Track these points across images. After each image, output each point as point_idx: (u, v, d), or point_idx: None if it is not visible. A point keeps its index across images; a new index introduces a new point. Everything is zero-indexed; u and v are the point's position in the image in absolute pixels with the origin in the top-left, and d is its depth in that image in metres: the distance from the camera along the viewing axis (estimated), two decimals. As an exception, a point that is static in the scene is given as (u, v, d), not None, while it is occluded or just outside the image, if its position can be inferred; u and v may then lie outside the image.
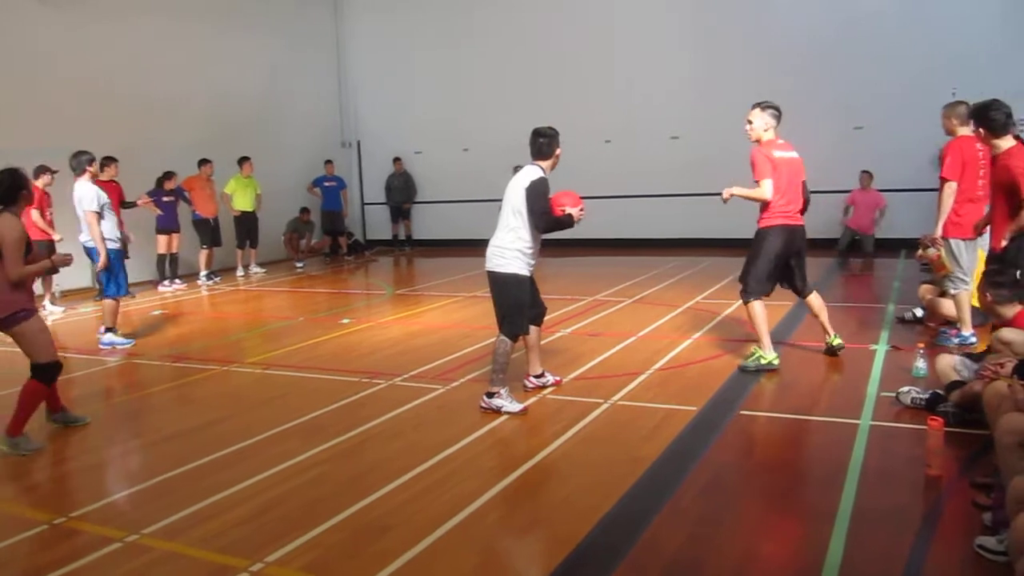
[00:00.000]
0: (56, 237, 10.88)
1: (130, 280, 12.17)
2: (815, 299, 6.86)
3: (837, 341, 6.87)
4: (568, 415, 5.62)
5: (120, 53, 13.59)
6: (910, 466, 4.52)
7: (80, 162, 8.53)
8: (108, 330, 8.78)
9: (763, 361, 6.51)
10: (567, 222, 5.86)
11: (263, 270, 14.88)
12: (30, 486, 4.85)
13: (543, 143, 5.90)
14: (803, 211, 6.64)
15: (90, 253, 8.70)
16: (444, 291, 11.67)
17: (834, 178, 13.67)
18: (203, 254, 13.72)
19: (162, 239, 12.91)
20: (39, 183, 10.66)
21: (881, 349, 7.10)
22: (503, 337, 5.81)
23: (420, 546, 3.76)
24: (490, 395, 5.79)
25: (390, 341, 8.39)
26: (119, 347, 8.66)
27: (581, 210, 5.90)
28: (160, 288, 12.95)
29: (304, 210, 16.58)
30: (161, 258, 13.03)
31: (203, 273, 13.71)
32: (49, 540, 4.07)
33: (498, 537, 3.93)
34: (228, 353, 8.28)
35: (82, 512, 4.36)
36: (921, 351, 6.29)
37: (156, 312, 11.10)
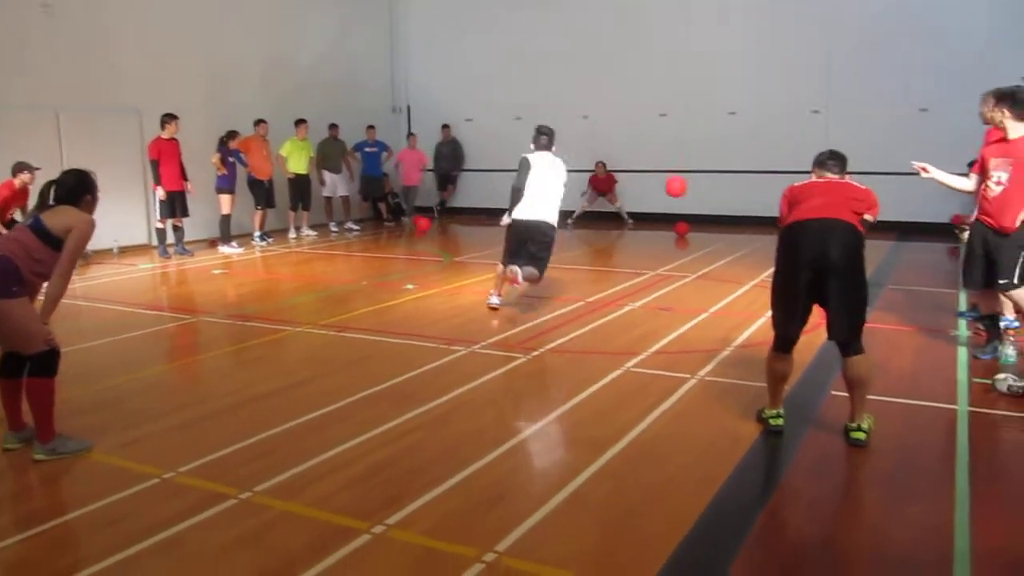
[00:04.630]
0: None
1: (185, 239, 12.37)
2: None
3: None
4: (657, 389, 5.59)
5: (179, 15, 13.56)
6: (1021, 452, 4.47)
7: None
8: None
9: None
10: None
11: (315, 233, 14.90)
12: (130, 441, 4.87)
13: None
14: None
15: None
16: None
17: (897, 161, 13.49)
18: (257, 215, 13.74)
19: (225, 199, 12.87)
20: (16, 182, 10.04)
21: (962, 335, 6.99)
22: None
23: (537, 516, 3.77)
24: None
25: (460, 308, 8.39)
26: None
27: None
28: (225, 249, 12.81)
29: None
30: (225, 219, 12.98)
31: (256, 234, 13.73)
32: (162, 494, 4.11)
33: (613, 511, 3.90)
34: (298, 315, 8.30)
35: (189, 467, 4.39)
36: (1011, 339, 6.19)
37: (217, 271, 11.16)
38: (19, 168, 10.04)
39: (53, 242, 4.56)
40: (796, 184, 4.91)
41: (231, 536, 3.66)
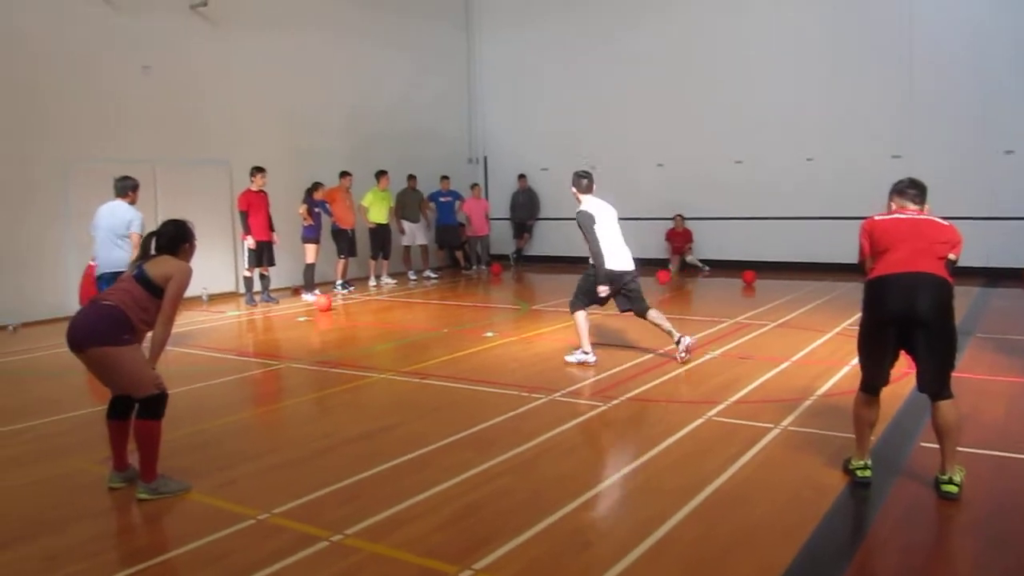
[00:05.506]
0: None
1: (271, 287, 12.76)
2: None
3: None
4: (740, 438, 5.57)
5: (263, 70, 14.21)
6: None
7: (124, 186, 8.58)
8: None
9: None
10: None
11: (394, 281, 15.24)
12: (226, 482, 5.07)
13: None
14: None
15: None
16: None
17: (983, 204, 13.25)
18: (340, 264, 14.14)
19: (311, 248, 13.29)
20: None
21: (1059, 384, 6.80)
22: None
23: (624, 562, 3.79)
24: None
25: (539, 356, 8.47)
26: None
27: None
28: (308, 297, 13.13)
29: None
30: (309, 267, 13.37)
31: (338, 282, 14.12)
32: (258, 534, 4.27)
33: (700, 559, 3.90)
34: (380, 361, 8.51)
35: (284, 509, 4.55)
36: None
37: (301, 319, 11.49)
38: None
39: (155, 290, 4.84)
40: (877, 218, 4.77)
41: (325, 576, 3.78)
